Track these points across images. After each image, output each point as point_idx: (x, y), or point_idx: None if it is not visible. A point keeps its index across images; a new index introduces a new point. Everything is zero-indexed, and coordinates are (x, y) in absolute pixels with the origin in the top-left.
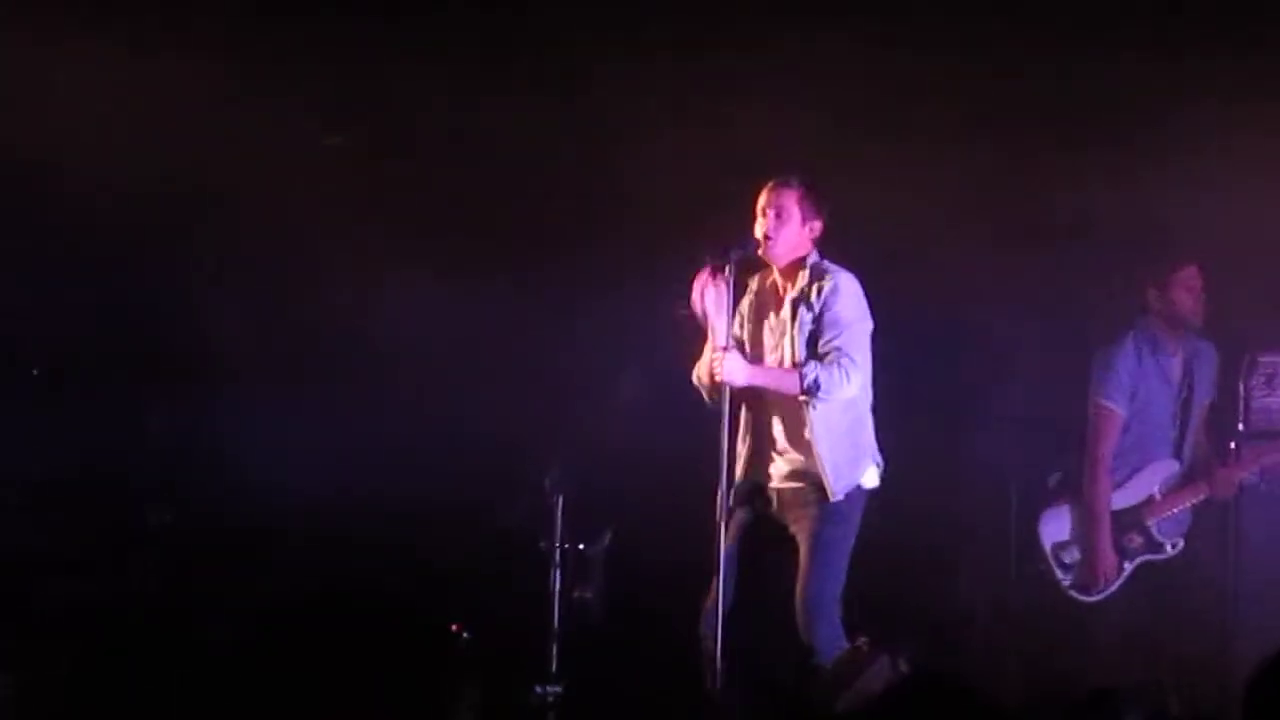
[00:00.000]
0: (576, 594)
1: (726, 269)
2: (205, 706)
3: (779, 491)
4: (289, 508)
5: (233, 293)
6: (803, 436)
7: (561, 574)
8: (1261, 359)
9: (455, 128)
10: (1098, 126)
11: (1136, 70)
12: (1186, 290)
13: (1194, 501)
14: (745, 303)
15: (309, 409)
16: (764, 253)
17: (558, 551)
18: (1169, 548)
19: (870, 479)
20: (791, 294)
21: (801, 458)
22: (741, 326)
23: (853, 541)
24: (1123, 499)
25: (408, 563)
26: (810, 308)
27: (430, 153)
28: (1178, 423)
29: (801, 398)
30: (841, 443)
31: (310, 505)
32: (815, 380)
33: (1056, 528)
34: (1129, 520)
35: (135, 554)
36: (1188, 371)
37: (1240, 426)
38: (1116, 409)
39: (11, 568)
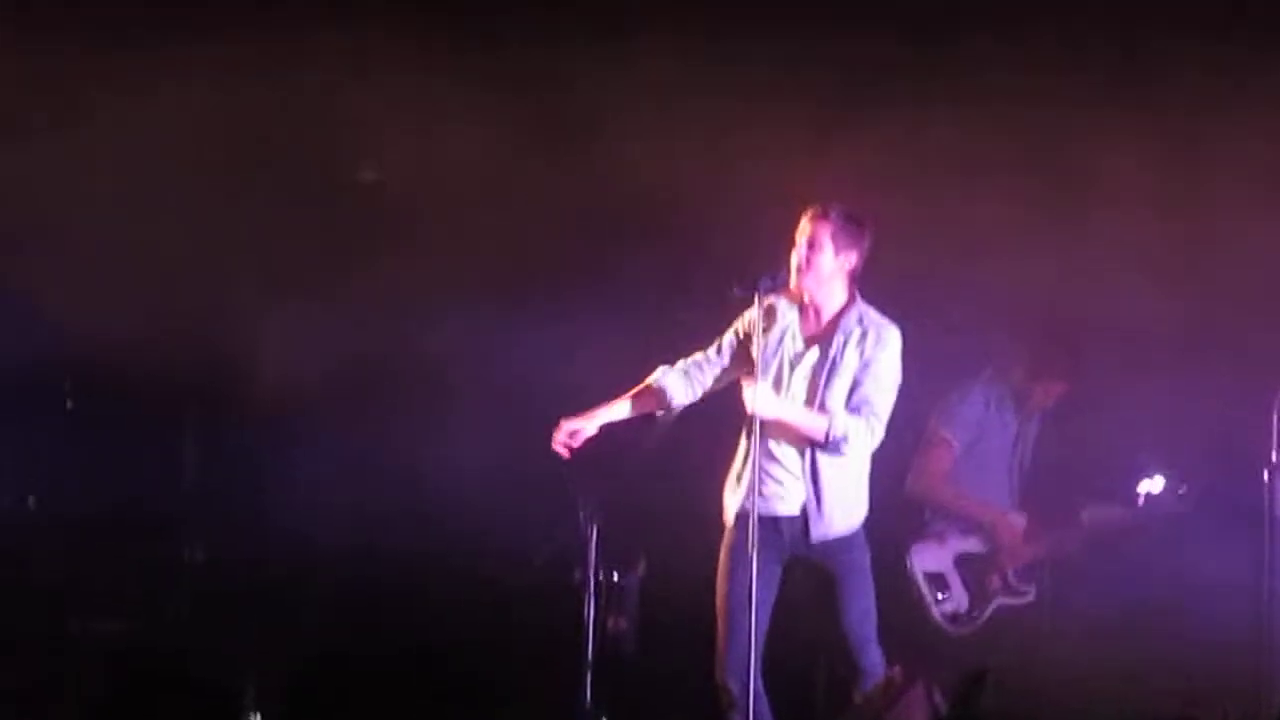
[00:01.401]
0: (611, 624)
1: (756, 298)
2: None
3: (790, 521)
4: (322, 543)
5: (268, 333)
6: (817, 474)
7: (596, 604)
8: None
9: (461, 152)
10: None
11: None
12: (1046, 396)
13: (1038, 555)
14: (772, 332)
15: (342, 448)
16: (795, 284)
17: (592, 581)
18: (1024, 595)
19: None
20: (840, 336)
21: (814, 491)
22: (761, 354)
23: None
24: (980, 543)
25: (443, 594)
26: (860, 354)
27: (454, 183)
28: (1015, 477)
29: (823, 443)
30: (851, 486)
31: (343, 541)
32: (845, 433)
33: (928, 559)
34: (988, 563)
35: (168, 590)
36: (1030, 430)
37: (1274, 458)
38: (954, 443)
39: (47, 603)
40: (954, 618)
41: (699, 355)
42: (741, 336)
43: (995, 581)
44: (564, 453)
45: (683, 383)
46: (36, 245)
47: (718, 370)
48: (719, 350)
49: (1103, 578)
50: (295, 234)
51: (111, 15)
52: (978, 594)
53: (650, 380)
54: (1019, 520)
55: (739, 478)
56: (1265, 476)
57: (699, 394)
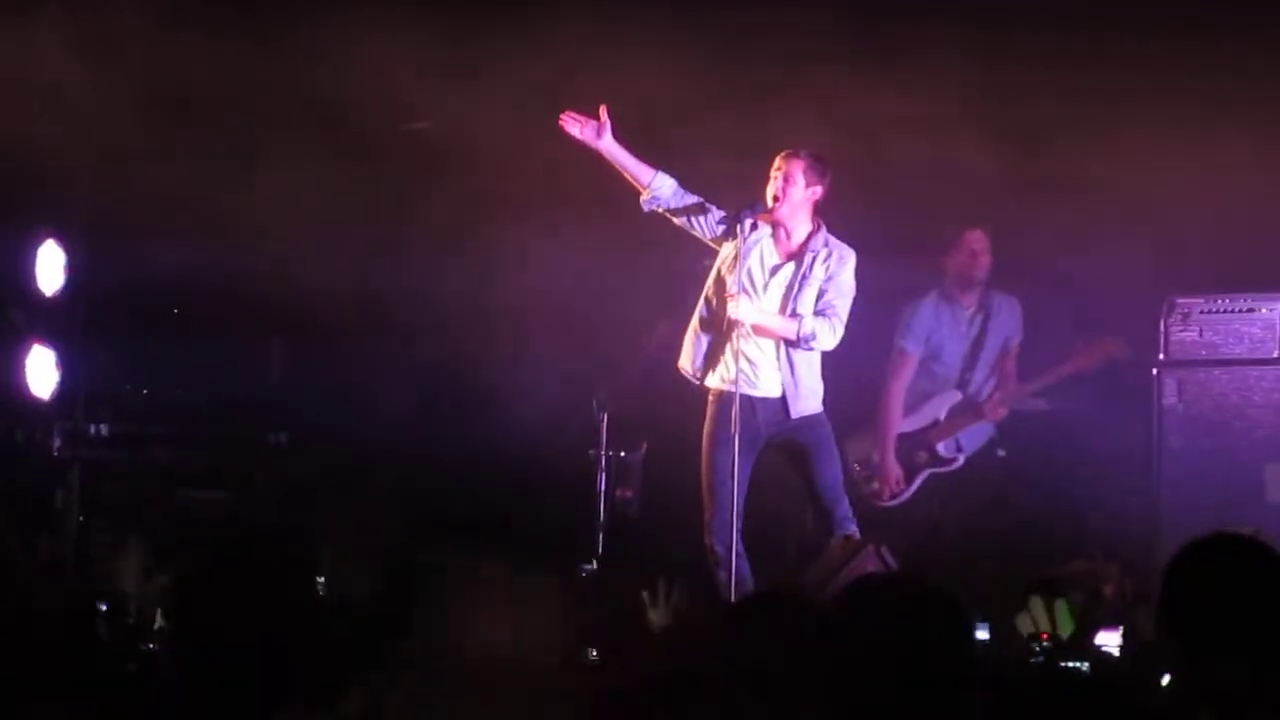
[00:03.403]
0: (618, 493)
1: (738, 227)
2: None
3: (764, 402)
4: (387, 428)
5: (340, 259)
6: (793, 364)
7: (606, 477)
8: (1178, 301)
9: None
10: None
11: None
12: (969, 254)
13: (972, 425)
14: (753, 251)
15: (403, 353)
16: (772, 211)
17: (603, 458)
18: (951, 462)
19: None
20: (810, 254)
21: (791, 376)
22: (740, 269)
23: None
24: (913, 423)
25: (485, 471)
26: (826, 269)
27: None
28: (965, 362)
29: (795, 340)
30: (814, 371)
31: (405, 427)
32: (812, 332)
33: (857, 447)
34: (918, 440)
35: (258, 469)
36: (982, 320)
37: (1161, 357)
38: (910, 351)
39: (160, 477)
40: (877, 494)
41: (705, 203)
42: (723, 247)
43: (922, 455)
44: (567, 122)
45: (673, 192)
46: (147, 191)
47: (701, 220)
48: (716, 219)
49: (1017, 460)
50: (361, 177)
51: None
52: (906, 469)
53: (657, 173)
54: (952, 398)
55: (709, 358)
56: (1154, 371)
57: (672, 211)
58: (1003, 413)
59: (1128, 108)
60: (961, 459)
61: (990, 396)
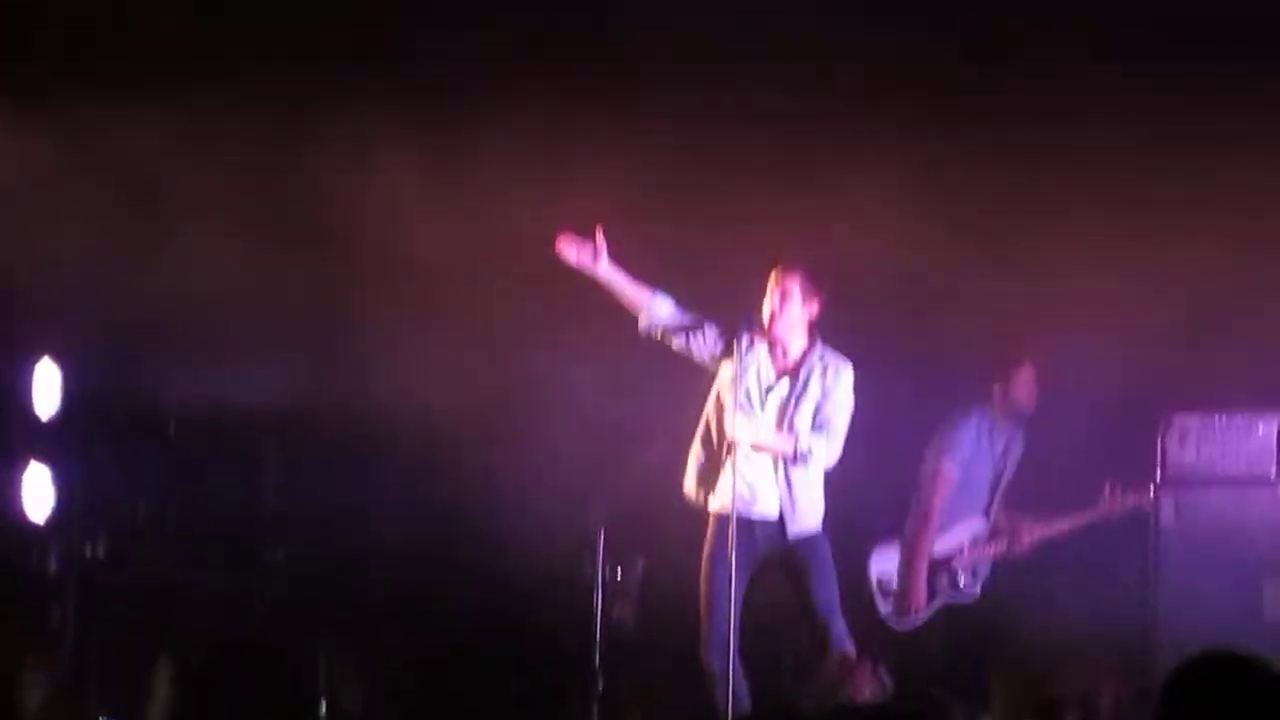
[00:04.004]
0: (615, 613)
1: (733, 343)
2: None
3: (763, 524)
4: (378, 549)
5: (333, 375)
6: (791, 483)
7: (602, 596)
8: (1175, 418)
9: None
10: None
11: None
12: (1025, 387)
13: (993, 555)
14: (750, 368)
15: (392, 474)
16: (769, 327)
17: (599, 577)
18: (969, 594)
19: None
20: (805, 370)
21: (789, 496)
22: (741, 387)
23: None
24: (939, 547)
25: (477, 590)
26: (822, 385)
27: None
28: (990, 489)
29: (793, 457)
30: (812, 489)
31: (395, 547)
32: (809, 448)
33: (883, 563)
34: (941, 566)
35: (252, 587)
36: (1007, 452)
37: (1159, 475)
38: (952, 472)
39: (153, 596)
40: (899, 615)
41: (703, 320)
42: (722, 368)
43: (943, 581)
44: (565, 247)
45: (670, 313)
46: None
47: (700, 338)
48: (715, 336)
49: (1015, 575)
50: (348, 292)
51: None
52: (928, 593)
53: (655, 295)
54: (976, 525)
55: (709, 479)
56: (1151, 492)
57: (671, 331)
58: (1029, 546)
59: (1110, 222)
60: (978, 591)
61: (1017, 532)
